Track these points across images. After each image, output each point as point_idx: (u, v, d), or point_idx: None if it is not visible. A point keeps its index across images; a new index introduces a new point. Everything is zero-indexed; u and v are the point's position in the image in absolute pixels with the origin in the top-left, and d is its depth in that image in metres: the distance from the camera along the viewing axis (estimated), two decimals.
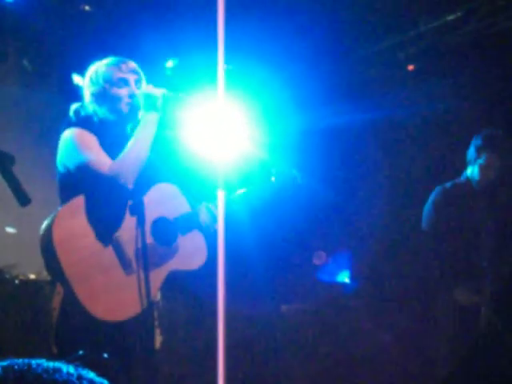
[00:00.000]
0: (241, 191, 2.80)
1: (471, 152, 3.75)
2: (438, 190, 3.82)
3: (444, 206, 3.75)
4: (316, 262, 6.07)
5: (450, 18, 5.12)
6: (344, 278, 6.28)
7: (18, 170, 1.96)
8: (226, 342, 1.96)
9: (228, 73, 2.09)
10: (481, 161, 3.68)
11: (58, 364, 0.88)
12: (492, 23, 5.01)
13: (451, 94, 5.44)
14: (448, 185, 3.82)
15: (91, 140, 2.55)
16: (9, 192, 1.92)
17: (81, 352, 2.31)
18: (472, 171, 3.74)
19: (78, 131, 2.56)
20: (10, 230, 4.65)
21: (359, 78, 5.93)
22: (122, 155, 2.51)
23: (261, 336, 5.06)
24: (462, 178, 3.80)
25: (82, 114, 2.65)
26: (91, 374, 0.88)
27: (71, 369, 0.88)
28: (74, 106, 2.69)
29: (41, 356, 0.94)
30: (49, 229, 2.40)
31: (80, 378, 0.86)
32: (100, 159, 2.50)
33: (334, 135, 6.00)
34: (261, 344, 5.00)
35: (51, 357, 2.30)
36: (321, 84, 5.93)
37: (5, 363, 0.87)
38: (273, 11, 5.09)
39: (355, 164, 6.19)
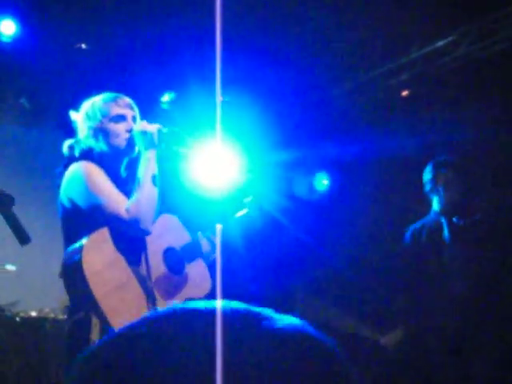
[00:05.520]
0: (234, 220, 2.83)
1: (425, 185, 3.62)
2: (406, 233, 3.73)
3: (413, 246, 3.65)
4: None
5: (441, 43, 5.19)
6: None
7: (16, 207, 1.97)
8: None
9: (224, 105, 2.11)
10: (432, 186, 3.54)
11: None
12: (483, 47, 5.08)
13: (446, 118, 5.48)
14: (416, 225, 3.70)
15: (101, 176, 2.52)
16: (8, 229, 1.93)
17: None
18: (432, 201, 3.60)
19: (87, 166, 2.52)
20: (10, 267, 4.64)
21: (352, 106, 5.97)
22: (136, 199, 2.48)
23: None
24: (430, 215, 3.67)
25: (77, 149, 2.63)
26: None
27: None
28: (68, 142, 2.67)
29: None
30: (78, 262, 2.36)
31: None
32: (115, 201, 2.47)
33: (327, 163, 6.04)
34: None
35: None
36: (314, 113, 5.98)
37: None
38: (268, 39, 5.14)
39: (352, 193, 6.21)
